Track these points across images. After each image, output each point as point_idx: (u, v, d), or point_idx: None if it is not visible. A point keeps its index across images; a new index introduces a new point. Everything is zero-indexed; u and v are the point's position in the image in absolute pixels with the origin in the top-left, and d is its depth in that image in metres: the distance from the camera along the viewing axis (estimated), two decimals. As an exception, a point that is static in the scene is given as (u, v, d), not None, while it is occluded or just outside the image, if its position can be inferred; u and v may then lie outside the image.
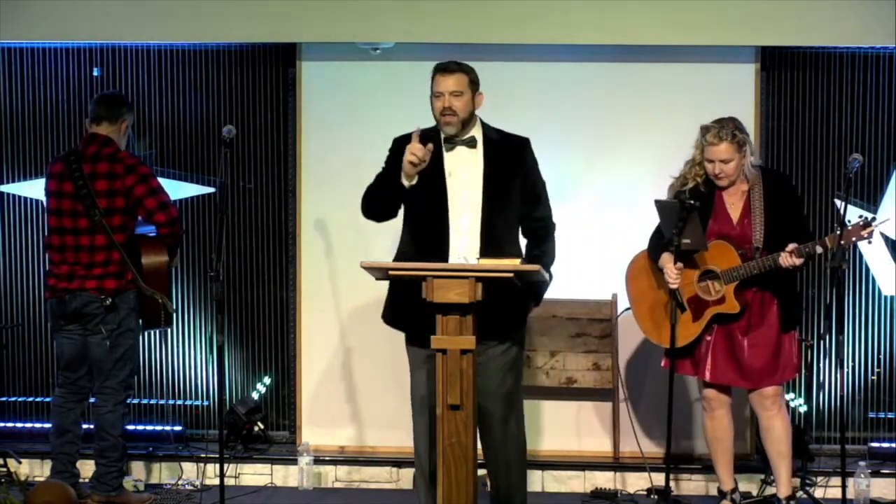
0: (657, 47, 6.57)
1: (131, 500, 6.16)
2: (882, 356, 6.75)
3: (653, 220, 5.79)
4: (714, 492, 6.16)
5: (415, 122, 5.14)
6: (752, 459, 6.60)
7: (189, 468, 6.66)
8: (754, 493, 6.26)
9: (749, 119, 6.41)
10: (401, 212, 5.28)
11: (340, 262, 6.81)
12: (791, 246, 5.56)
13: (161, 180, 6.18)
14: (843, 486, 5.67)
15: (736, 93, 6.59)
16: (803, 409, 6.62)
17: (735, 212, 5.77)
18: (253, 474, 6.70)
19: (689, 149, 5.84)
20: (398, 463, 6.66)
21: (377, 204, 5.25)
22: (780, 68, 6.75)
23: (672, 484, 6.03)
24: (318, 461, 6.64)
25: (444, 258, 5.09)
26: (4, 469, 6.44)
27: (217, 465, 6.03)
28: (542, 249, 5.26)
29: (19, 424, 7.03)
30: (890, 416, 6.73)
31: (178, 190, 6.89)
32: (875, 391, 6.75)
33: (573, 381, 6.62)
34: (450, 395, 4.72)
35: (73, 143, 6.78)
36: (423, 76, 5.34)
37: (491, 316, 4.89)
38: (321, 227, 6.87)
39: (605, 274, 6.55)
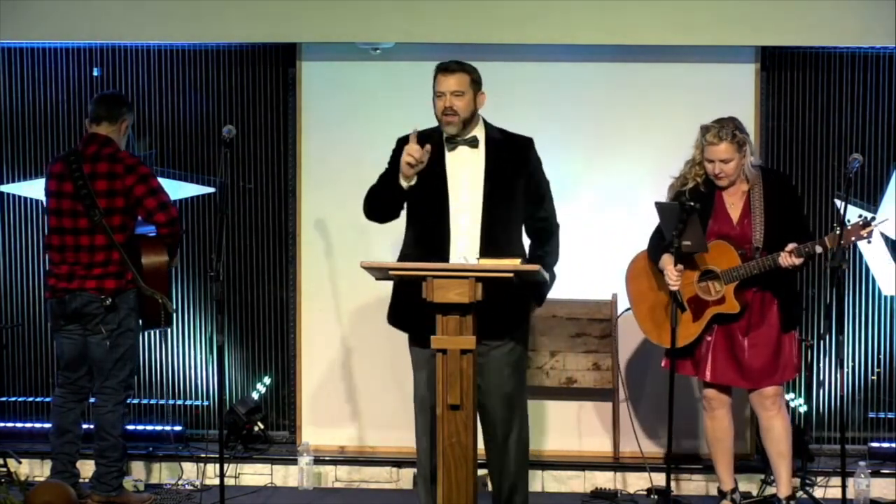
0: (657, 47, 6.57)
1: (131, 500, 6.15)
2: (882, 356, 6.75)
3: (653, 220, 5.78)
4: (714, 492, 6.16)
5: (415, 122, 5.14)
6: (753, 459, 6.60)
7: (189, 468, 6.66)
8: (754, 493, 6.26)
9: (749, 119, 6.41)
10: (403, 213, 5.27)
11: (340, 262, 6.81)
12: (791, 246, 5.56)
13: (161, 180, 6.17)
14: (843, 486, 5.67)
15: (736, 93, 6.59)
16: (803, 409, 6.62)
17: (735, 212, 5.76)
18: (253, 474, 6.70)
19: (689, 149, 5.84)
20: (398, 463, 6.65)
21: (379, 204, 5.25)
22: (780, 68, 6.75)
23: (672, 484, 6.03)
24: (318, 461, 6.64)
25: (445, 258, 5.08)
26: (4, 469, 6.44)
27: (217, 465, 6.02)
28: (546, 249, 5.25)
29: (19, 424, 7.03)
30: (890, 416, 6.73)
31: (178, 190, 6.88)
32: (875, 391, 6.75)
33: (573, 381, 6.61)
34: (450, 395, 4.72)
35: (73, 143, 6.78)
36: (423, 76, 5.35)
37: (493, 316, 4.89)
38: (321, 227, 6.86)
39: (605, 274, 6.55)
